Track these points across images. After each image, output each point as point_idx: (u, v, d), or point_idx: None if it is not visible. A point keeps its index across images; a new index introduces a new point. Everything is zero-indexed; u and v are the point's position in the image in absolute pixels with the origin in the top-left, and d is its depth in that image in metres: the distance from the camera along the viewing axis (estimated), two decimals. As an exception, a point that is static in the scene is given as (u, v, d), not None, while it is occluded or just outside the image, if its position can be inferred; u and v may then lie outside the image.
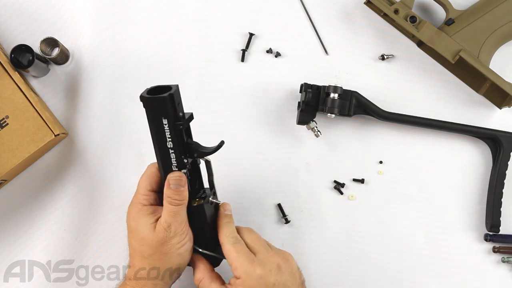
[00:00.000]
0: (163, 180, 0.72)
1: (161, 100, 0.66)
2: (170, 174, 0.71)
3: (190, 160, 0.71)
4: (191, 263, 0.75)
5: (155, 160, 0.73)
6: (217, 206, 0.76)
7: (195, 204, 0.72)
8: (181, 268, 0.74)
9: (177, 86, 0.68)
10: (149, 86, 0.69)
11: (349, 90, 0.86)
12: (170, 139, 0.68)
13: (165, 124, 0.67)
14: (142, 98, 0.67)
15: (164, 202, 0.71)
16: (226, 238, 0.73)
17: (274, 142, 0.89)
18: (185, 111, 0.70)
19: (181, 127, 0.68)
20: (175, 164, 0.70)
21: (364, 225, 0.88)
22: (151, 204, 0.73)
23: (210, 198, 0.74)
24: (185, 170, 0.71)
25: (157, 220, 0.71)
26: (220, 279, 0.74)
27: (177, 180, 0.70)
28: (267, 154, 0.89)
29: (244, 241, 0.73)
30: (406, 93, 0.90)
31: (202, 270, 0.74)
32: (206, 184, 0.76)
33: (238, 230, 0.75)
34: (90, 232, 0.87)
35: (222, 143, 0.70)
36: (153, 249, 0.71)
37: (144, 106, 0.67)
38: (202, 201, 0.72)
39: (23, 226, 0.86)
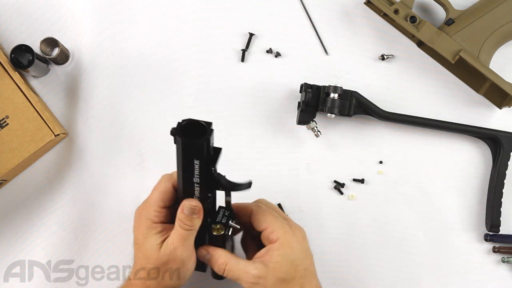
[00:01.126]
0: (180, 200, 0.69)
1: (196, 145, 0.63)
2: (186, 201, 0.68)
3: (213, 193, 0.70)
4: (202, 257, 0.73)
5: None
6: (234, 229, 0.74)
7: (215, 233, 0.71)
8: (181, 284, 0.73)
9: (211, 125, 0.63)
10: (180, 120, 0.63)
11: (349, 90, 0.86)
12: (198, 176, 0.66)
13: (196, 164, 0.65)
14: (175, 137, 0.63)
15: (176, 223, 0.69)
16: (258, 206, 0.72)
17: (274, 142, 0.89)
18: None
19: (213, 169, 0.66)
20: (198, 196, 0.68)
21: (364, 225, 0.88)
22: (162, 222, 0.71)
23: (231, 222, 0.72)
24: (206, 202, 0.69)
25: (164, 240, 0.70)
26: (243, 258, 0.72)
27: (191, 208, 0.68)
28: (267, 154, 0.89)
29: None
30: (406, 93, 0.90)
31: (223, 254, 0.71)
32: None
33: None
34: (90, 232, 0.87)
35: (250, 183, 0.68)
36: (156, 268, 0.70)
37: (175, 143, 0.64)
38: (223, 232, 0.71)
39: (23, 226, 0.86)
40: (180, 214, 0.68)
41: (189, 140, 0.62)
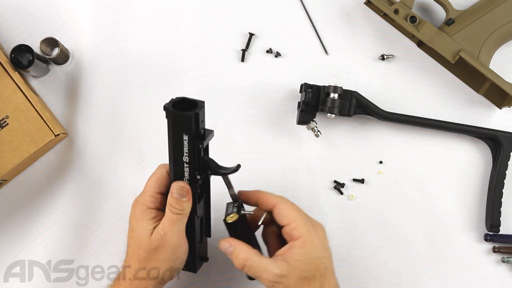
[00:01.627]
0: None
1: (185, 117, 0.65)
2: (174, 183, 0.70)
3: (203, 176, 0.70)
4: (225, 250, 0.72)
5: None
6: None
7: (230, 221, 0.72)
8: (173, 275, 0.73)
9: (203, 103, 0.67)
10: (175, 97, 0.67)
11: (349, 90, 0.86)
12: (187, 154, 0.68)
13: (185, 140, 0.67)
14: (166, 109, 0.66)
15: (166, 209, 0.70)
16: (282, 199, 0.71)
17: (274, 142, 0.89)
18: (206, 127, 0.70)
19: (200, 146, 0.67)
20: (187, 178, 0.69)
21: (364, 225, 0.88)
22: (157, 208, 0.72)
23: (243, 212, 0.73)
24: (195, 185, 0.70)
25: (156, 227, 0.70)
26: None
27: (180, 189, 0.69)
28: (267, 154, 0.89)
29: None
30: (406, 93, 0.90)
31: (246, 249, 0.70)
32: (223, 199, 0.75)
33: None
34: (90, 232, 0.87)
35: (238, 166, 0.70)
36: (148, 255, 0.70)
37: (166, 117, 0.66)
38: (237, 217, 0.72)
39: (23, 226, 0.86)
40: (169, 198, 0.69)
41: (178, 112, 0.65)
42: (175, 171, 0.70)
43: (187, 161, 0.68)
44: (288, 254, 0.69)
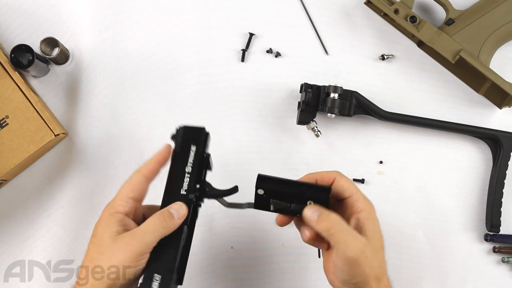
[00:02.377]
0: (166, 203, 0.67)
1: (197, 130, 0.70)
2: (176, 202, 0.67)
3: (196, 196, 0.69)
4: (310, 214, 0.66)
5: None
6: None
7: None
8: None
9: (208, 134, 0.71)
10: (179, 123, 0.70)
11: (349, 90, 0.86)
12: (191, 164, 0.68)
13: (192, 151, 0.69)
14: (179, 128, 0.70)
15: (151, 216, 0.65)
16: (339, 173, 0.69)
17: (274, 142, 0.89)
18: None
19: (205, 155, 0.69)
20: (185, 188, 0.68)
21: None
22: (126, 213, 0.66)
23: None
24: (192, 196, 0.68)
25: (124, 231, 0.65)
26: None
27: (179, 209, 0.66)
28: (267, 154, 0.89)
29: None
30: (406, 93, 0.90)
31: (334, 214, 0.65)
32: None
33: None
34: (90, 232, 0.87)
35: (235, 189, 0.69)
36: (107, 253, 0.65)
37: (173, 138, 0.70)
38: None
39: (23, 226, 0.86)
40: (163, 210, 0.66)
41: (191, 126, 0.69)
42: (173, 180, 0.69)
43: (190, 171, 0.68)
44: (360, 226, 0.66)
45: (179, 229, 0.66)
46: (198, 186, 0.69)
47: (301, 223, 0.69)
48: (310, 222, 0.67)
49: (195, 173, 0.69)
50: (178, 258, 0.66)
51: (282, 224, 0.71)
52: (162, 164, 0.69)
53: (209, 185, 0.71)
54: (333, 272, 0.67)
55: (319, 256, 0.71)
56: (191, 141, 0.69)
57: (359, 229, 0.66)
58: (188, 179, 0.69)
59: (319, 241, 0.69)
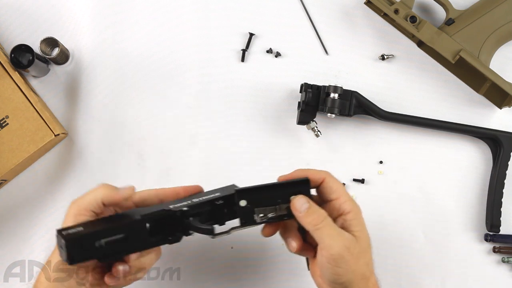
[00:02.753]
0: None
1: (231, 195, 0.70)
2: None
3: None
4: (300, 204, 0.67)
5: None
6: None
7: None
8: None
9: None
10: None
11: (349, 90, 0.86)
12: (200, 200, 0.70)
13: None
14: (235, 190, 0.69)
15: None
16: (329, 174, 0.69)
17: (274, 142, 0.89)
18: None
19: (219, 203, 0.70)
20: (176, 205, 0.68)
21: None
22: (92, 213, 0.66)
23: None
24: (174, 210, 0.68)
25: None
26: None
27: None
28: (267, 154, 0.89)
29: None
30: (406, 93, 0.90)
31: (322, 210, 0.66)
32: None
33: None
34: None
35: (212, 230, 0.67)
36: None
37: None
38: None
39: (23, 226, 0.86)
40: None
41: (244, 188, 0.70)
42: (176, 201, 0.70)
43: (195, 203, 0.69)
44: (346, 226, 0.67)
45: (138, 222, 0.65)
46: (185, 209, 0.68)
47: (287, 233, 0.70)
48: (298, 212, 0.67)
49: (197, 206, 0.68)
50: (108, 238, 0.64)
51: (268, 233, 0.71)
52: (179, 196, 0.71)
53: (194, 221, 0.68)
54: (320, 275, 0.67)
55: (308, 268, 0.71)
56: (222, 192, 0.71)
57: (345, 229, 0.67)
58: (186, 203, 0.68)
59: (306, 250, 0.69)
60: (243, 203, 0.68)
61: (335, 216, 0.68)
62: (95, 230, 0.64)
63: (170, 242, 0.68)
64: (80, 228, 0.64)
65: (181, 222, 0.68)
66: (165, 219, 0.67)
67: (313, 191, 0.71)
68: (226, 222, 0.71)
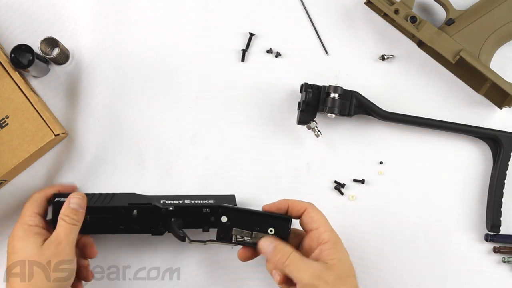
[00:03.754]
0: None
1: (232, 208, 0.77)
2: (72, 194, 0.76)
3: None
4: (266, 247, 0.73)
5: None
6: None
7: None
8: None
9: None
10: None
11: (350, 90, 0.86)
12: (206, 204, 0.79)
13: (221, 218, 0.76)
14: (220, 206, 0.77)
15: (59, 221, 0.74)
16: (311, 205, 0.73)
17: (274, 142, 0.89)
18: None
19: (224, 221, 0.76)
20: (167, 202, 0.78)
21: (364, 226, 0.88)
22: (37, 226, 0.75)
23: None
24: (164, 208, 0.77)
25: (45, 240, 0.73)
26: None
27: (78, 199, 0.75)
28: (267, 154, 0.89)
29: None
30: (406, 93, 0.90)
31: (288, 246, 0.72)
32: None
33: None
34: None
35: (183, 238, 0.76)
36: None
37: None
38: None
39: (23, 226, 0.86)
40: (65, 209, 0.74)
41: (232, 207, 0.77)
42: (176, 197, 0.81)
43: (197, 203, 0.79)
44: (323, 255, 0.70)
45: (127, 208, 0.77)
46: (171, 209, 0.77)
47: (272, 267, 0.73)
48: (266, 253, 0.72)
49: (183, 208, 0.77)
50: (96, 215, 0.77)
51: (243, 257, 0.77)
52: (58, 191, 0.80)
53: (174, 222, 0.77)
54: None
55: None
56: (218, 200, 0.80)
57: (321, 258, 0.70)
58: (176, 202, 0.78)
59: (288, 283, 0.72)
60: (224, 219, 0.75)
61: (315, 246, 0.72)
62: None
63: (152, 234, 0.78)
64: None
65: (164, 220, 0.77)
66: (151, 213, 0.77)
67: (296, 221, 0.76)
68: (210, 230, 0.78)
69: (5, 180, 0.84)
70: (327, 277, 0.68)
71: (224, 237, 0.75)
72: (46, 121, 0.81)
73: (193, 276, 0.86)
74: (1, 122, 0.81)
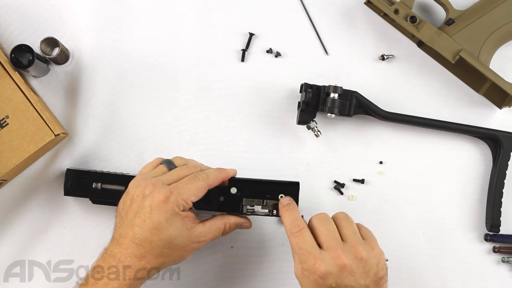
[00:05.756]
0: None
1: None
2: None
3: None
4: (285, 201, 0.76)
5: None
6: None
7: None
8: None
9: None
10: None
11: (349, 90, 0.86)
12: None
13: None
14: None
15: (237, 218, 0.78)
16: (288, 230, 0.72)
17: (274, 142, 0.89)
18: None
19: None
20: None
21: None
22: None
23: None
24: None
25: (189, 229, 0.72)
26: None
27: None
28: (267, 154, 0.89)
29: (314, 231, 0.72)
30: (406, 93, 0.90)
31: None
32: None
33: (310, 219, 0.74)
34: (90, 232, 0.87)
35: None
36: (171, 251, 0.71)
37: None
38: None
39: (23, 226, 0.86)
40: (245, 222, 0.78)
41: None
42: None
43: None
44: None
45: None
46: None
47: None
48: (283, 210, 0.75)
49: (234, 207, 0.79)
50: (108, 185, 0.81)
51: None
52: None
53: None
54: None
55: None
56: (233, 185, 0.78)
57: None
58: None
59: None
60: (233, 190, 0.77)
61: None
62: (97, 172, 0.82)
63: None
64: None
65: None
66: None
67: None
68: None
69: (5, 180, 0.84)
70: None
71: (234, 209, 0.77)
72: (46, 121, 0.81)
73: (193, 276, 0.86)
74: (1, 122, 0.81)
